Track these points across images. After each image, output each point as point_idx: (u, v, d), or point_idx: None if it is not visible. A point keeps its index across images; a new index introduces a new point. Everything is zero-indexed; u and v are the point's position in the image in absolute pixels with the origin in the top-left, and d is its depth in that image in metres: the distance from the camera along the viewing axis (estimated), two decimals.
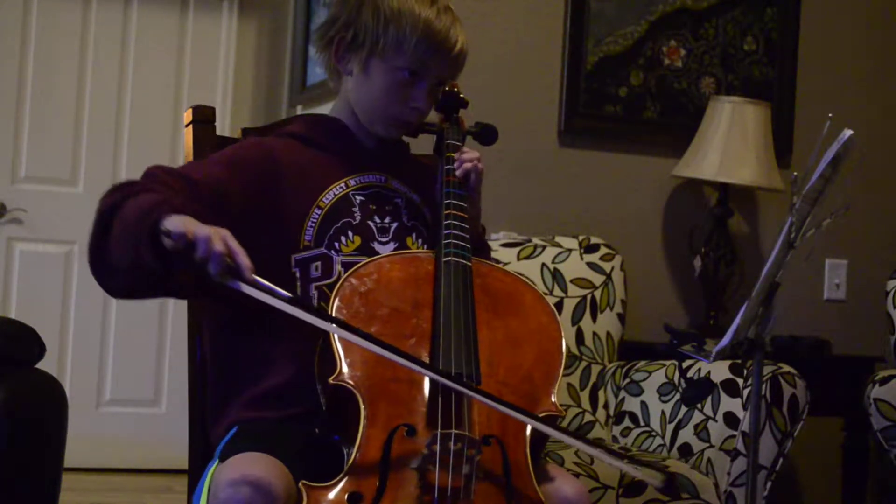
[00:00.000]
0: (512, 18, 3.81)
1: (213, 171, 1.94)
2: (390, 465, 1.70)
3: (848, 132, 1.90)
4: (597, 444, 1.76)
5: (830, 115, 2.03)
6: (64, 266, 4.93)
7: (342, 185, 2.04)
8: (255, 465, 1.69)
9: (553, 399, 1.88)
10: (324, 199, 2.01)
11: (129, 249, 1.73)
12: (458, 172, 2.07)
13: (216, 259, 1.67)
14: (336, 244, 1.98)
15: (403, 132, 2.11)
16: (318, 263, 1.95)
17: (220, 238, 1.68)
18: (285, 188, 1.99)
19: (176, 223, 1.67)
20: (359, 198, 2.04)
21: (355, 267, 1.90)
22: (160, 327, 5.01)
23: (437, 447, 1.69)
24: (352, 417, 1.75)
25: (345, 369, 1.77)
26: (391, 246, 2.02)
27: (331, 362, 1.79)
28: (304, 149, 2.05)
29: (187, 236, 1.66)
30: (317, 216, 2.00)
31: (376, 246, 2.01)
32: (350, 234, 2.00)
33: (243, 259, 1.69)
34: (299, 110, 4.50)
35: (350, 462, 1.71)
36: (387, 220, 2.04)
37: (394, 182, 2.10)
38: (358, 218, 2.02)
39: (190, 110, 2.22)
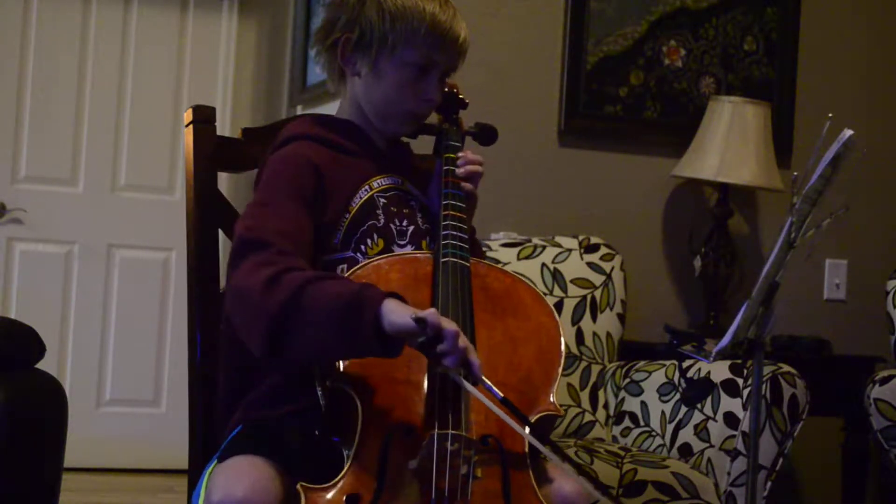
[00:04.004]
0: (512, 18, 3.81)
1: (294, 213, 1.92)
2: (388, 466, 1.70)
3: (848, 132, 1.90)
4: (579, 465, 1.76)
5: (830, 115, 2.03)
6: (64, 266, 4.94)
7: (367, 187, 2.04)
8: (240, 482, 1.69)
9: (552, 399, 1.88)
10: (352, 203, 2.01)
11: (337, 342, 1.71)
12: (460, 172, 2.08)
13: (459, 355, 1.68)
14: (362, 247, 1.99)
15: (416, 126, 2.11)
16: (345, 266, 1.95)
17: (461, 334, 1.69)
18: (325, 196, 1.99)
19: (419, 313, 1.66)
20: (382, 200, 2.04)
21: (353, 269, 1.90)
22: (160, 327, 5.01)
23: (435, 448, 1.69)
24: (350, 419, 1.75)
25: (342, 371, 1.77)
26: (409, 248, 2.02)
27: (329, 364, 1.79)
28: (333, 154, 2.04)
29: (440, 328, 1.66)
30: (345, 219, 2.00)
31: (396, 249, 2.01)
32: (375, 236, 2.00)
33: (475, 357, 1.71)
34: (299, 110, 4.50)
35: (348, 463, 1.71)
36: (405, 222, 2.04)
37: (408, 184, 2.11)
38: (382, 221, 2.02)
39: (190, 110, 2.21)
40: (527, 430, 1.74)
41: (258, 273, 1.76)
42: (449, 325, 1.68)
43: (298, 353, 1.75)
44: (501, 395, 1.71)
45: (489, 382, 1.71)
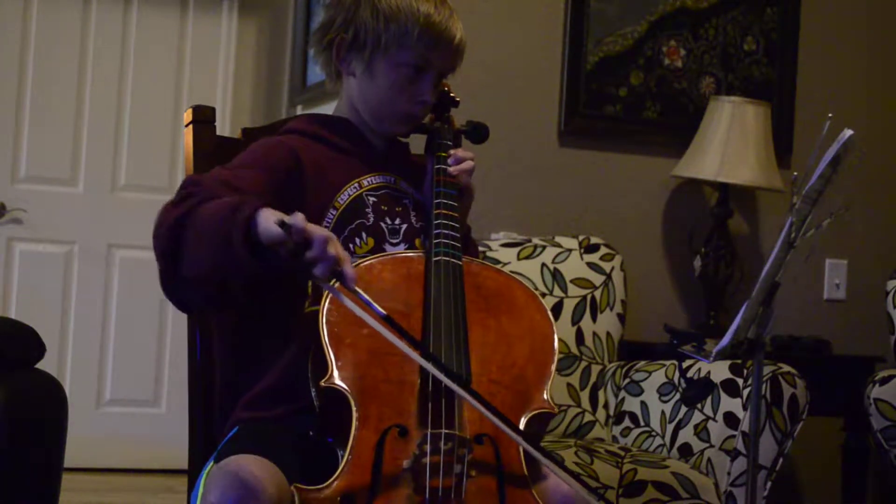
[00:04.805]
0: (512, 18, 3.81)
1: (253, 177, 1.91)
2: (382, 466, 1.70)
3: (848, 132, 1.90)
4: (569, 470, 1.75)
5: (830, 115, 2.03)
6: (64, 266, 4.93)
7: (356, 185, 2.04)
8: (236, 483, 1.68)
9: (546, 396, 1.87)
10: (339, 200, 2.02)
11: (216, 250, 1.69)
12: (452, 170, 2.07)
13: (329, 262, 1.65)
14: (350, 245, 1.99)
15: (411, 127, 2.11)
16: None
17: (333, 241, 1.66)
18: (306, 188, 1.99)
19: (285, 218, 1.63)
20: (371, 198, 2.04)
21: None
22: (160, 327, 5.01)
23: (428, 447, 1.69)
24: (344, 419, 1.75)
25: (335, 371, 1.77)
26: (401, 247, 2.02)
27: (322, 365, 1.79)
28: (321, 148, 2.05)
29: (305, 233, 1.63)
30: (332, 216, 2.00)
31: (388, 247, 2.01)
32: (364, 235, 2.00)
33: (350, 268, 1.67)
34: (299, 110, 4.50)
35: (342, 464, 1.70)
36: (397, 221, 2.04)
37: (402, 183, 2.11)
38: (371, 219, 2.02)
39: (190, 110, 2.22)
40: (493, 414, 1.72)
41: (174, 199, 1.79)
42: (318, 231, 1.64)
43: (191, 265, 1.73)
44: (384, 312, 1.68)
45: (366, 296, 1.68)
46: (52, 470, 2.56)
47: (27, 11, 4.91)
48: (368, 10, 2.02)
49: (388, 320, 1.68)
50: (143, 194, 5.01)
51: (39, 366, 2.61)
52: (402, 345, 1.69)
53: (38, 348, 2.61)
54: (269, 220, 1.65)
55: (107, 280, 4.98)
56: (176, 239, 1.73)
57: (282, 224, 1.62)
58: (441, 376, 1.70)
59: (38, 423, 2.53)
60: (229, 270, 1.72)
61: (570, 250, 3.41)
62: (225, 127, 4.93)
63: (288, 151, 2.00)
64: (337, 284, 1.67)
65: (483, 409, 1.70)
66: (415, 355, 1.71)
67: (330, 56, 2.08)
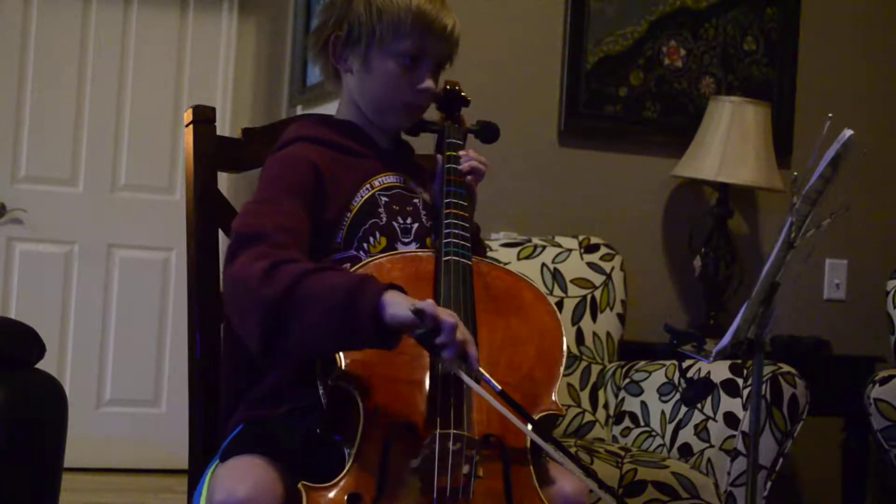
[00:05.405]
0: (512, 18, 3.81)
1: (295, 211, 1.92)
2: (390, 465, 1.70)
3: (848, 132, 1.90)
4: (582, 464, 1.76)
5: (830, 115, 2.02)
6: (64, 266, 4.94)
7: (368, 186, 2.05)
8: (242, 482, 1.69)
9: (554, 398, 1.89)
10: (353, 202, 2.02)
11: (337, 333, 1.71)
12: (463, 167, 2.08)
13: (457, 347, 1.68)
14: (365, 245, 1.99)
15: (415, 119, 2.11)
16: (348, 265, 1.95)
17: (460, 326, 1.69)
18: (325, 195, 1.99)
19: (417, 304, 1.66)
20: (383, 198, 2.04)
21: (355, 267, 1.90)
22: (160, 327, 5.01)
23: (437, 447, 1.69)
24: (352, 417, 1.75)
25: (344, 370, 1.77)
26: (413, 246, 2.03)
27: (331, 362, 1.79)
28: (331, 152, 2.05)
29: (437, 319, 1.66)
30: (346, 218, 2.00)
31: (400, 247, 2.02)
32: (377, 234, 2.01)
33: (474, 349, 1.71)
34: (299, 110, 4.50)
35: (350, 462, 1.71)
36: (408, 220, 2.05)
37: (411, 183, 2.11)
38: (384, 219, 2.03)
39: (190, 110, 2.21)
40: (529, 427, 1.74)
41: (255, 264, 1.76)
42: (448, 316, 1.68)
43: (295, 344, 1.74)
44: (500, 387, 1.71)
45: (487, 375, 1.71)
46: (52, 470, 2.56)
47: (27, 11, 4.91)
48: (361, 5, 2.03)
49: (502, 395, 1.71)
50: (143, 194, 5.02)
51: (39, 366, 2.61)
52: (516, 420, 1.71)
53: (38, 348, 2.60)
54: (398, 305, 1.67)
55: (107, 280, 4.98)
56: (277, 317, 1.72)
57: (415, 311, 1.65)
58: (557, 456, 1.72)
59: (38, 423, 2.53)
60: (344, 348, 1.77)
61: (570, 250, 3.41)
62: (225, 127, 4.93)
63: (306, 165, 2.00)
64: (451, 358, 1.69)
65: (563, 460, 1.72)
66: (528, 431, 1.73)
67: (327, 56, 2.09)
